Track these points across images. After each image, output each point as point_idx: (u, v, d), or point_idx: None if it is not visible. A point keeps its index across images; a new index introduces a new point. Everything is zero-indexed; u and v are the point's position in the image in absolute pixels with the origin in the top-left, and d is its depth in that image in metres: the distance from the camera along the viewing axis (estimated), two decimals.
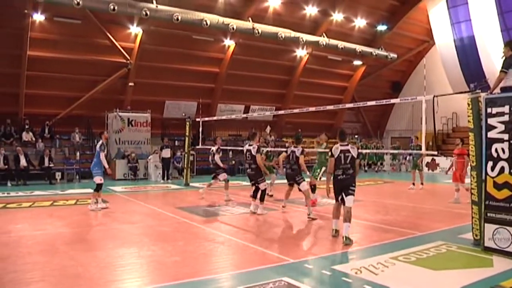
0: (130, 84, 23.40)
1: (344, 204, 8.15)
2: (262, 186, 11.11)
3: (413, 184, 17.10)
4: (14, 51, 20.10)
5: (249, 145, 11.28)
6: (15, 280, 5.82)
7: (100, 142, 12.11)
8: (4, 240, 8.11)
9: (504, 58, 7.58)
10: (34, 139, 20.97)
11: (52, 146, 21.32)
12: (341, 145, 8.32)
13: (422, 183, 17.09)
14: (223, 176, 13.80)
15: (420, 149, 14.13)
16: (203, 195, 14.15)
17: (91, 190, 15.88)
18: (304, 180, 11.10)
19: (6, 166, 18.30)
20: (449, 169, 14.35)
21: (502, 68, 7.52)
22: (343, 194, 8.17)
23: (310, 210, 10.55)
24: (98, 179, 11.94)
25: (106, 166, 12.07)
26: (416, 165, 17.63)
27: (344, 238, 7.89)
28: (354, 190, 8.21)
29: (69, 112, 22.68)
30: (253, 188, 11.35)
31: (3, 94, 20.76)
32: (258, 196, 11.18)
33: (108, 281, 5.84)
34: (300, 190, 11.09)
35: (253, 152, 11.05)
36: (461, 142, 13.32)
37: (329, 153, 8.37)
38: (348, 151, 8.22)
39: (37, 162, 19.43)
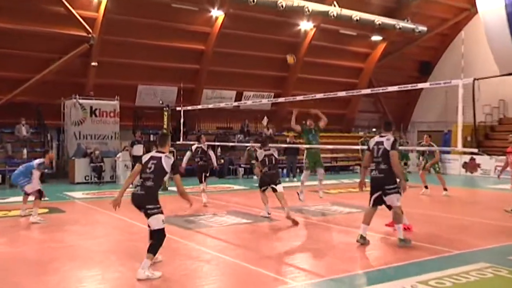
0: (93, 64, 23.22)
1: (387, 206, 8.92)
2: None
3: (426, 187, 17.03)
4: None
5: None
6: None
7: (41, 160, 12.26)
8: None
9: None
10: None
11: None
12: (380, 136, 9.09)
13: (445, 188, 16.73)
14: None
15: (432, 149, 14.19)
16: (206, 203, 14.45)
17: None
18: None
19: None
20: (501, 172, 14.24)
21: None
22: (382, 194, 8.87)
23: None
24: (30, 188, 11.97)
25: (35, 183, 11.99)
26: (425, 168, 17.41)
27: (399, 241, 8.80)
28: (394, 189, 8.84)
29: (12, 98, 22.39)
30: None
31: None
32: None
33: None
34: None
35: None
36: None
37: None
38: (381, 143, 8.87)
39: None
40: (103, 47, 23.09)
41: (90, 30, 22.40)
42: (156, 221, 7.29)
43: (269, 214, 12.15)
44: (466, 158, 26.79)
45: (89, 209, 14.11)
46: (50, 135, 23.20)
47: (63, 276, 7.21)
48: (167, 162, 7.45)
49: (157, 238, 7.31)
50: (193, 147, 15.19)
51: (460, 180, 24.11)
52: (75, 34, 22.40)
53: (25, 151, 21.12)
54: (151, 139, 24.26)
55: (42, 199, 12.19)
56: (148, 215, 7.33)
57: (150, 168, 7.41)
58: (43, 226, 11.15)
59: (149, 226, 7.45)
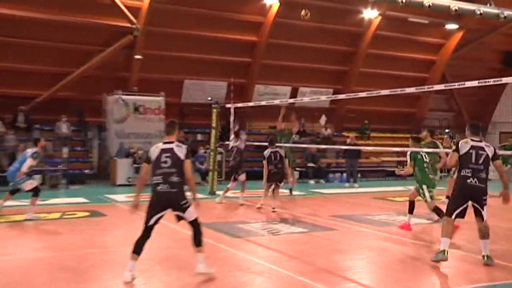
0: (137, 57, 23.58)
1: (481, 218, 8.57)
2: None
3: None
4: None
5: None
6: None
7: (34, 150, 12.76)
8: None
9: None
10: (3, 130, 21.24)
11: (28, 140, 21.62)
12: (472, 139, 8.79)
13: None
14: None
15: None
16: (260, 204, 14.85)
17: (82, 199, 16.25)
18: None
19: None
20: None
21: None
22: (477, 205, 8.56)
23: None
24: (29, 185, 12.55)
25: (24, 170, 12.46)
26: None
27: (486, 258, 8.48)
28: (486, 200, 8.62)
29: (52, 94, 22.98)
30: None
31: None
32: None
33: None
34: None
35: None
36: None
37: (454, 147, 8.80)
38: (483, 148, 8.64)
39: (6, 162, 19.58)
40: (148, 38, 23.44)
41: (134, 21, 22.76)
42: (191, 213, 7.68)
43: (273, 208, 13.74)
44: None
45: (131, 214, 14.30)
46: (91, 133, 23.69)
47: (104, 285, 7.37)
48: (180, 151, 7.67)
49: (196, 227, 7.72)
50: (266, 153, 14.94)
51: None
52: (118, 25, 22.84)
53: (65, 150, 21.45)
54: (199, 138, 24.48)
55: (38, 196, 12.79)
56: (183, 210, 7.63)
57: (166, 162, 7.58)
58: (82, 231, 11.39)
59: (179, 219, 7.80)
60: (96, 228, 11.80)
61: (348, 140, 25.72)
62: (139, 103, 23.10)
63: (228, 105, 19.03)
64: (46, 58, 22.41)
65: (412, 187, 12.14)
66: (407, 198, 12.42)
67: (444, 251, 8.29)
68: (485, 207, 8.52)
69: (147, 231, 7.64)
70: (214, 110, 19.05)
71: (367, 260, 9.45)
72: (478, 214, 8.56)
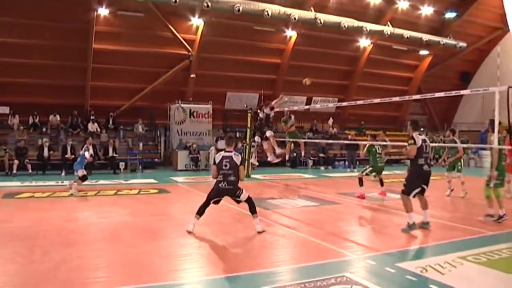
0: (192, 75, 23.80)
1: (422, 194, 8.47)
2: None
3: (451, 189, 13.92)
4: (80, 44, 20.95)
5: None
6: (82, 266, 6.08)
7: (85, 146, 13.74)
8: (71, 227, 8.50)
9: None
10: (99, 130, 21.75)
11: (116, 137, 22.06)
12: (419, 134, 8.62)
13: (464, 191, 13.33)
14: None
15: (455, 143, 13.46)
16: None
17: (153, 180, 16.45)
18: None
19: (73, 156, 18.34)
20: None
21: None
22: (426, 186, 8.42)
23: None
24: (81, 172, 12.99)
25: (88, 156, 13.28)
26: (454, 166, 13.92)
27: (425, 224, 8.40)
28: None
29: (132, 103, 23.38)
30: None
31: (70, 87, 21.76)
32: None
33: (169, 270, 5.98)
34: None
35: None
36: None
37: (411, 141, 8.47)
38: (426, 141, 8.57)
39: (101, 153, 20.17)
40: (200, 62, 23.65)
41: (190, 49, 23.08)
42: (244, 195, 8.10)
43: None
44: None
45: (188, 191, 14.45)
46: (159, 132, 23.96)
47: (170, 242, 7.46)
48: (237, 159, 8.04)
49: (250, 202, 8.17)
50: None
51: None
52: (178, 53, 23.14)
53: (141, 144, 21.93)
54: (237, 135, 24.56)
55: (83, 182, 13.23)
56: (238, 197, 8.08)
57: (226, 166, 7.95)
58: (153, 202, 11.54)
59: (238, 202, 8.26)
60: (163, 201, 11.95)
61: (349, 137, 25.54)
62: (193, 110, 23.17)
63: (259, 111, 19.00)
64: (128, 78, 22.74)
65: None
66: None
67: (414, 223, 8.25)
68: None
69: (207, 202, 8.10)
70: (249, 114, 19.06)
71: (363, 226, 9.47)
72: (423, 192, 8.44)
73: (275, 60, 25.93)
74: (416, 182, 8.42)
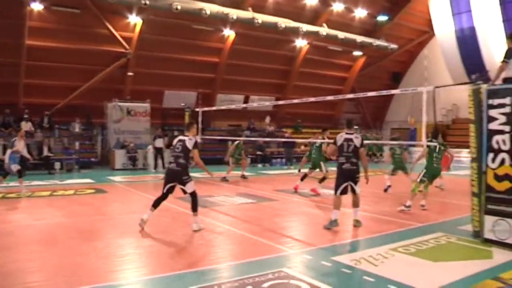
0: (130, 74, 23.32)
1: (354, 192, 8.52)
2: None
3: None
4: (13, 40, 19.97)
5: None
6: (17, 270, 5.82)
7: (15, 139, 12.69)
8: (5, 230, 8.11)
9: (507, 49, 7.55)
10: (33, 129, 20.84)
11: (51, 136, 21.27)
12: (346, 133, 8.65)
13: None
14: None
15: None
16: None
17: (90, 180, 15.99)
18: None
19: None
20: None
21: (504, 58, 7.47)
22: (352, 183, 8.43)
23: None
24: (14, 167, 12.40)
25: (20, 147, 12.51)
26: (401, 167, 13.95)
27: (355, 221, 8.58)
28: (359, 178, 8.52)
29: (68, 101, 22.59)
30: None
31: (2, 84, 20.67)
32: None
33: (107, 271, 5.84)
34: None
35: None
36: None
37: (331, 141, 8.79)
38: (351, 140, 8.50)
39: (36, 152, 19.35)
40: (137, 60, 23.18)
41: (128, 47, 22.59)
42: (191, 186, 8.05)
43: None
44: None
45: (126, 190, 14.15)
46: (96, 131, 23.37)
47: (108, 242, 7.29)
48: (190, 143, 8.08)
49: (194, 198, 8.13)
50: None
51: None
52: (115, 51, 22.57)
53: (77, 143, 21.14)
54: (176, 134, 24.34)
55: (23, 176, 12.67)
56: (184, 183, 8.01)
57: (178, 148, 8.09)
58: (90, 203, 11.22)
59: (184, 192, 8.09)
60: (100, 201, 11.63)
61: (286, 134, 25.92)
62: (131, 108, 22.78)
63: (197, 109, 18.90)
64: (64, 76, 21.94)
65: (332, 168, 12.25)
66: (329, 177, 12.72)
67: (335, 220, 8.33)
68: (358, 184, 8.42)
69: (162, 194, 8.13)
70: (187, 113, 18.92)
71: (299, 221, 9.59)
72: (352, 190, 8.47)
73: (214, 59, 25.83)
74: (339, 180, 8.48)
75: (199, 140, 14.72)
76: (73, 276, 5.59)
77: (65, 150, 20.83)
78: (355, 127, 30.97)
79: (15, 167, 12.38)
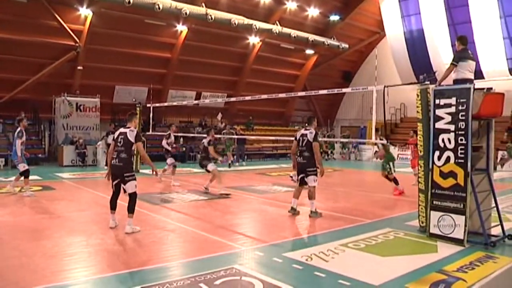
0: (79, 68, 22.67)
1: (306, 184, 9.11)
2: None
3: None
4: None
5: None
6: None
7: (18, 129, 11.80)
8: None
9: (456, 51, 7.85)
10: None
11: None
12: (305, 129, 9.25)
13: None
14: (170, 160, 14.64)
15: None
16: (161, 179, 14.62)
17: (37, 177, 15.48)
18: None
19: None
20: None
21: (452, 61, 7.74)
22: (304, 175, 9.07)
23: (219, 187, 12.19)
24: (22, 167, 11.70)
25: (19, 154, 11.64)
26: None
27: (311, 212, 9.15)
28: (313, 171, 9.03)
29: (13, 95, 21.69)
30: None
31: None
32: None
33: (55, 271, 5.66)
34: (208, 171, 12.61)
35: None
36: (414, 134, 13.44)
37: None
38: (305, 135, 9.06)
39: None
40: (87, 54, 22.52)
41: (77, 40, 21.89)
42: (131, 186, 7.59)
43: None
44: (377, 148, 27.40)
45: (74, 187, 13.79)
46: (43, 126, 22.63)
47: (56, 242, 7.05)
48: (131, 135, 7.63)
49: (132, 199, 7.62)
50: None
51: (372, 165, 24.63)
52: (65, 43, 21.82)
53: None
54: None
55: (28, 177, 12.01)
56: (125, 182, 7.55)
57: (120, 142, 7.63)
58: (37, 200, 10.85)
59: (125, 191, 7.64)
60: (48, 199, 11.26)
61: (236, 132, 25.93)
62: (80, 103, 22.18)
63: (148, 105, 18.69)
64: (9, 68, 21.02)
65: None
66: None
67: (291, 207, 9.38)
68: (310, 177, 9.02)
69: (112, 192, 7.82)
70: (138, 109, 18.68)
71: (251, 218, 9.60)
72: (304, 182, 9.18)
73: (165, 54, 25.49)
74: (297, 172, 9.32)
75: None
76: (19, 277, 5.39)
77: (10, 146, 19.95)
78: (306, 124, 31.73)
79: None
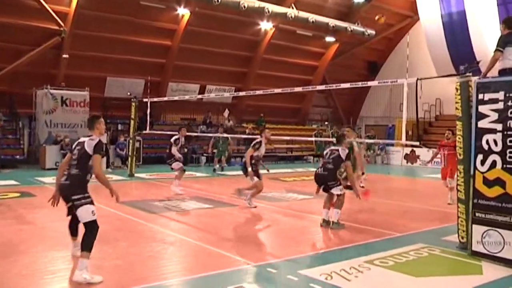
0: (64, 56, 22.77)
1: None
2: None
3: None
4: None
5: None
6: None
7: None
8: None
9: (500, 36, 7.67)
10: None
11: None
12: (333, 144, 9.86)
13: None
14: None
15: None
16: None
17: (13, 182, 15.54)
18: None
19: None
20: (431, 160, 14.43)
21: (497, 47, 7.54)
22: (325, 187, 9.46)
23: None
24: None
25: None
26: None
27: (332, 223, 9.28)
28: (335, 184, 9.35)
29: None
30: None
31: None
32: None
33: None
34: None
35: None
36: (451, 134, 13.16)
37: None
38: (337, 150, 9.49)
39: None
40: (74, 40, 22.65)
41: (62, 24, 21.99)
42: (86, 213, 6.16)
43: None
44: (408, 150, 27.29)
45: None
46: (22, 123, 22.77)
47: (34, 257, 7.04)
48: (89, 144, 6.30)
49: (89, 231, 6.18)
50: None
51: (402, 170, 24.54)
52: (47, 27, 21.93)
53: None
54: (119, 128, 24.02)
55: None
56: (75, 207, 6.21)
57: (75, 155, 6.38)
58: (14, 209, 10.87)
59: (77, 220, 6.44)
60: (26, 207, 11.29)
61: (247, 130, 25.95)
62: (66, 97, 22.29)
63: (145, 100, 18.73)
64: None
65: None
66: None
67: (323, 219, 9.40)
68: (334, 189, 9.31)
69: (68, 214, 6.64)
70: (133, 104, 18.76)
71: (262, 230, 9.60)
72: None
73: (165, 41, 25.58)
74: None
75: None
76: None
77: None
78: (325, 122, 31.65)
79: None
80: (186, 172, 15.00)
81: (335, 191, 9.29)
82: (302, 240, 8.36)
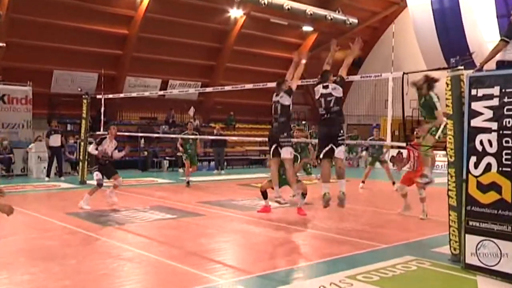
0: (0, 44, 22.37)
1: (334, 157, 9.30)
2: None
3: (363, 182, 17.70)
4: None
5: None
6: None
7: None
8: None
9: (509, 23, 7.69)
10: None
11: None
12: (323, 87, 9.96)
13: (393, 182, 16.80)
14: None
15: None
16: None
17: None
18: None
19: None
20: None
21: (504, 36, 7.54)
22: (333, 145, 9.23)
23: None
24: None
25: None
26: (376, 161, 18.15)
27: (341, 194, 9.45)
28: (342, 138, 9.40)
29: None
30: None
31: None
32: None
33: None
34: None
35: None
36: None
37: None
38: (331, 94, 9.72)
39: None
40: (12, 26, 22.04)
41: None
42: None
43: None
44: (394, 151, 27.52)
45: None
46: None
47: None
48: None
49: None
50: None
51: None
52: None
53: None
54: (68, 128, 23.75)
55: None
56: None
57: None
58: None
59: None
60: None
61: (215, 131, 25.92)
62: (4, 92, 21.77)
63: (98, 96, 18.57)
64: None
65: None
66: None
67: (324, 193, 9.45)
68: (340, 147, 9.32)
69: None
70: (85, 101, 18.59)
71: (232, 242, 9.57)
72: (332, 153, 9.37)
73: (121, 30, 25.41)
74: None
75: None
76: None
77: None
78: (303, 122, 31.78)
79: None
80: (147, 178, 14.92)
81: (339, 153, 9.34)
82: (277, 254, 8.37)
